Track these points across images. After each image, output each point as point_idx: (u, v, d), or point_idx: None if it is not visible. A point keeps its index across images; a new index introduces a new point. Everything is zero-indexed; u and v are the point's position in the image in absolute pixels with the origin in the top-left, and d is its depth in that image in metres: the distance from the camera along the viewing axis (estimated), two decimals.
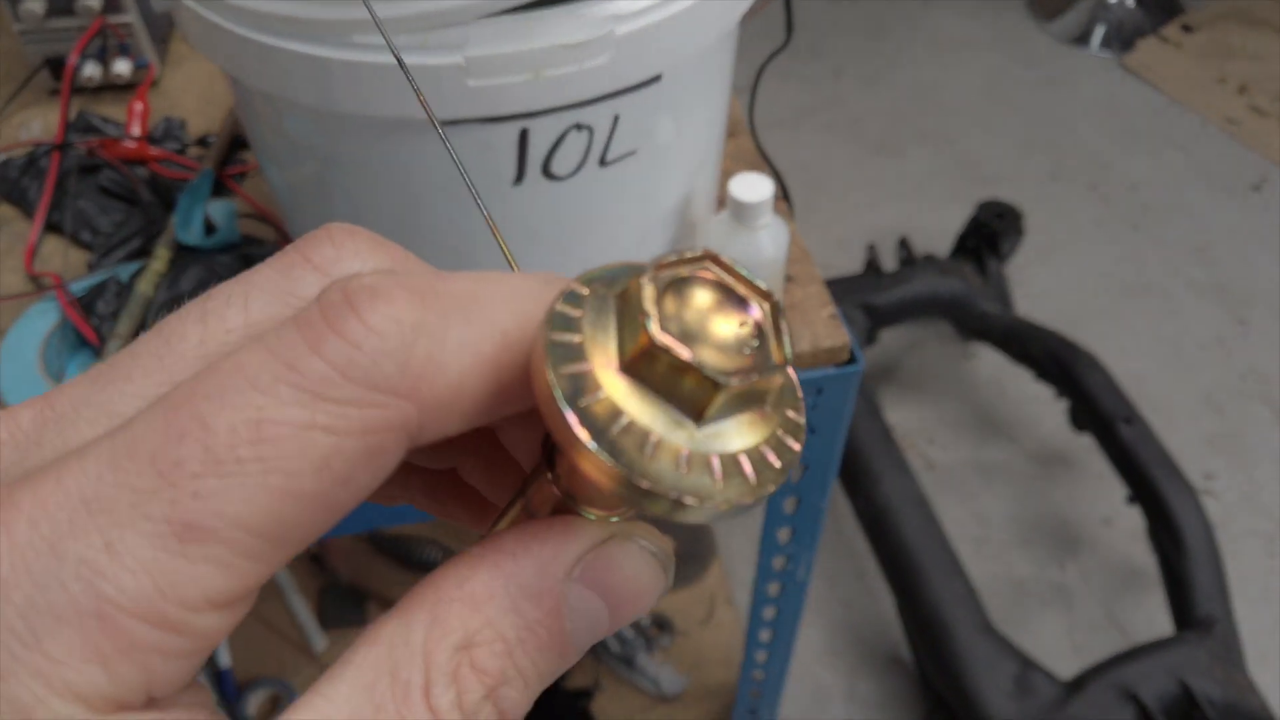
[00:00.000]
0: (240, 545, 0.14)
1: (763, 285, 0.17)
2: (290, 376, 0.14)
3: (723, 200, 0.71)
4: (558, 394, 0.15)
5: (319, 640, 1.14)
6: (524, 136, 0.50)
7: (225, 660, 1.10)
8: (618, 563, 0.17)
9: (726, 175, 0.62)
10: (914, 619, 1.30)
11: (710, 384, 0.15)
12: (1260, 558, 1.53)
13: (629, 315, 0.16)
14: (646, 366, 0.15)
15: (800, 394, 0.17)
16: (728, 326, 0.16)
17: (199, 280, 0.63)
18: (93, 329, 0.62)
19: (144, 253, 0.70)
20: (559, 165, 0.52)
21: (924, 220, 2.01)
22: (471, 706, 0.16)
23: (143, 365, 0.17)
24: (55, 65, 0.81)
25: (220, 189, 0.73)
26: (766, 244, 0.59)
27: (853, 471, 1.34)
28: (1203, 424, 1.71)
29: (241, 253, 0.65)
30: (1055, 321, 1.71)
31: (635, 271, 0.17)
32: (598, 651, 1.11)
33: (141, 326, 0.62)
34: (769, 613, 0.89)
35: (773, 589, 0.85)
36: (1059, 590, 1.53)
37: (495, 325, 0.16)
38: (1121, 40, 2.47)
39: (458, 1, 0.44)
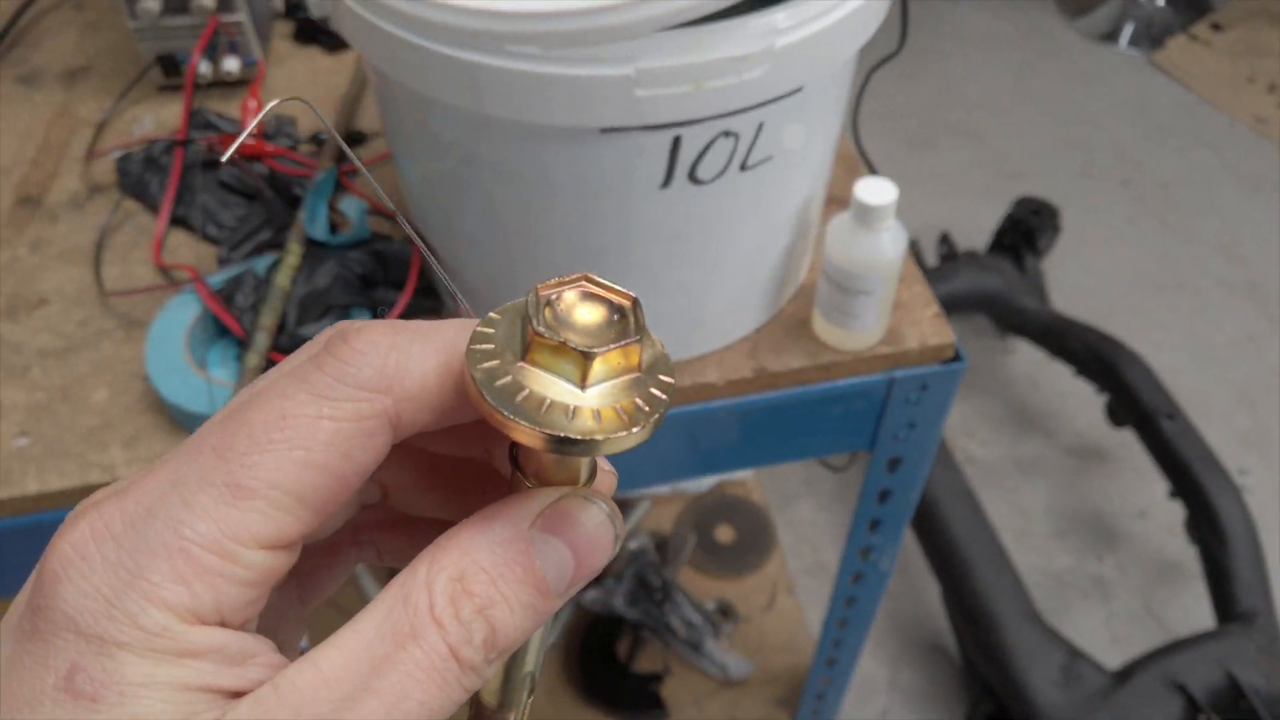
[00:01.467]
0: (276, 501, 0.20)
1: (623, 289, 0.23)
2: (303, 386, 0.21)
3: (832, 201, 0.74)
4: (477, 381, 0.21)
5: None
6: (676, 143, 0.53)
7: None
8: (571, 513, 0.22)
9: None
10: (961, 610, 1.33)
11: (581, 356, 0.21)
12: None
13: (524, 323, 0.22)
14: (537, 354, 0.21)
15: (671, 363, 0.23)
16: (593, 317, 0.22)
17: (334, 276, 0.66)
18: (234, 319, 0.64)
19: (270, 246, 0.73)
20: (704, 170, 0.55)
21: (958, 215, 2.03)
22: (467, 618, 0.21)
23: (218, 422, 0.23)
24: (166, 62, 0.84)
25: (336, 186, 0.75)
26: (888, 245, 0.62)
27: None
28: (1236, 420, 1.74)
29: (371, 248, 0.68)
30: (1088, 318, 1.73)
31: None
32: (666, 638, 1.14)
33: (282, 319, 0.64)
34: (846, 602, 0.92)
35: (853, 579, 0.88)
36: (1097, 582, 1.57)
37: (446, 341, 0.22)
38: (1150, 38, 2.49)
39: (635, 16, 0.47)
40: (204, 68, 0.83)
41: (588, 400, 0.21)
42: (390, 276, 0.68)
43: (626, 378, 0.22)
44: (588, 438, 0.21)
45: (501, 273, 0.63)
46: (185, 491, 0.20)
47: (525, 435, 0.21)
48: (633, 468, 0.72)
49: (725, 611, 1.18)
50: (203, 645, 0.20)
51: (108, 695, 0.19)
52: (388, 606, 0.21)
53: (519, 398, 0.21)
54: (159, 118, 0.84)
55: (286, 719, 0.20)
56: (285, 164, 0.78)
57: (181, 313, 0.66)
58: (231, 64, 0.83)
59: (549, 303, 0.22)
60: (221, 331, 0.66)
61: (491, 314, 0.23)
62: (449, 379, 0.22)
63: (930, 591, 1.51)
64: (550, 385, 0.21)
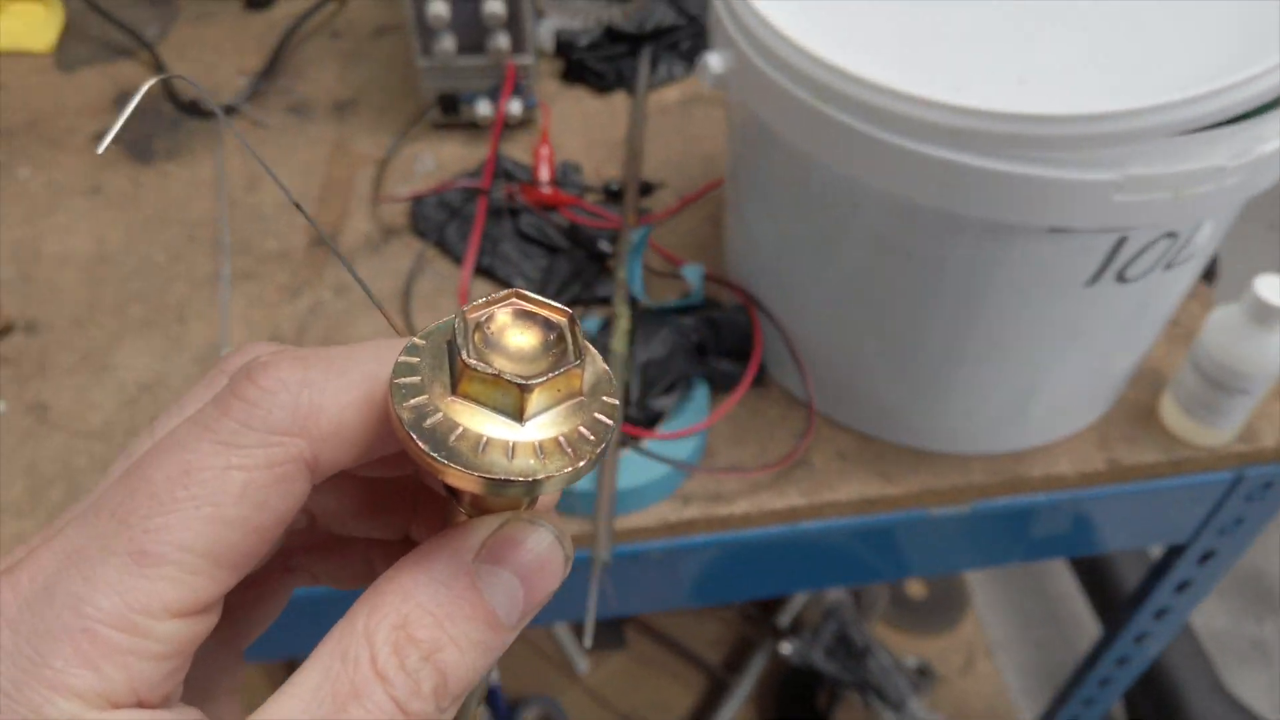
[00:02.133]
0: (187, 564, 0.19)
1: (559, 305, 0.21)
2: (207, 435, 0.19)
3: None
4: (404, 422, 0.19)
5: (581, 662, 1.15)
6: (1120, 243, 0.50)
7: (494, 678, 1.12)
8: (515, 539, 0.21)
9: None
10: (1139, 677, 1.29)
11: (518, 389, 0.19)
12: None
13: (452, 351, 0.20)
14: (469, 386, 0.19)
15: (613, 382, 0.21)
16: (529, 340, 0.20)
17: (672, 345, 0.64)
18: None
19: (582, 303, 0.71)
20: (1135, 269, 0.52)
21: None
22: (413, 668, 0.19)
23: (115, 482, 0.21)
24: (445, 101, 0.82)
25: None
26: (1276, 347, 0.59)
27: None
28: None
29: (705, 315, 0.66)
30: None
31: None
32: (866, 695, 1.11)
33: (626, 385, 0.62)
34: (1100, 683, 0.89)
35: (1118, 663, 0.85)
36: (1256, 645, 1.52)
37: (364, 373, 0.20)
38: None
39: (1156, 121, 0.44)
40: (485, 109, 0.81)
41: (527, 434, 0.20)
42: (723, 345, 0.65)
43: (568, 403, 0.20)
44: (530, 478, 0.19)
45: (851, 343, 0.61)
46: (85, 565, 0.19)
47: (462, 480, 0.19)
48: (946, 551, 0.70)
49: (923, 671, 1.15)
50: None
51: None
52: (325, 665, 0.19)
53: (452, 438, 0.19)
54: (438, 157, 0.82)
55: None
56: (580, 214, 0.76)
57: None
58: (515, 106, 0.81)
59: (478, 326, 0.20)
60: None
61: (415, 339, 0.21)
62: (370, 413, 0.21)
63: (1084, 643, 1.48)
64: (485, 420, 0.20)
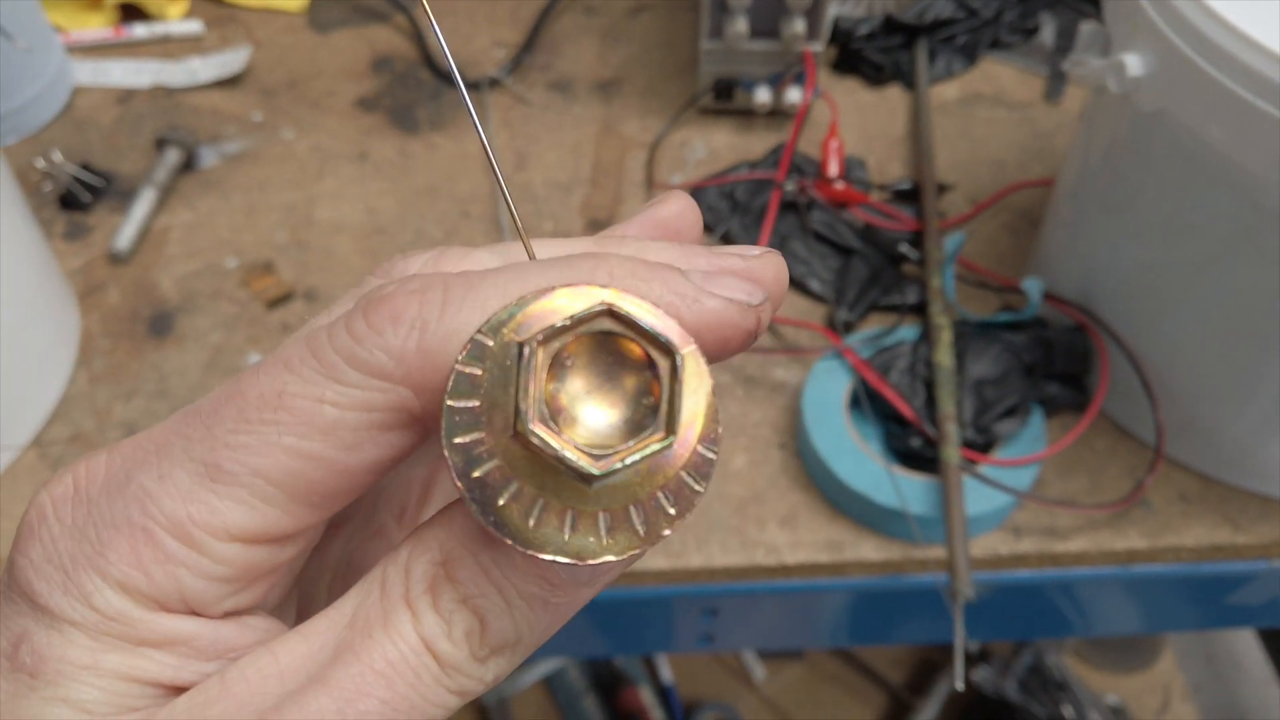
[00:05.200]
0: (259, 491, 0.18)
1: (666, 336, 0.16)
2: (312, 361, 0.18)
3: None
4: (452, 465, 0.16)
5: (758, 670, 1.12)
6: None
7: (668, 677, 1.09)
8: None
9: None
10: None
11: (587, 476, 0.15)
12: None
13: (520, 383, 0.16)
14: (530, 440, 0.16)
15: (719, 422, 0.17)
16: (616, 390, 0.16)
17: (1006, 364, 0.60)
18: (904, 401, 0.58)
19: (884, 309, 0.67)
20: None
21: None
22: (446, 608, 0.18)
23: (221, 386, 0.20)
24: (722, 86, 0.79)
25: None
26: None
27: None
28: None
29: (1037, 333, 0.61)
30: None
31: (537, 323, 0.16)
32: None
33: (959, 403, 0.59)
34: None
35: None
36: None
37: (484, 310, 0.18)
38: None
39: None
40: (764, 95, 0.77)
41: (594, 500, 0.16)
42: (1054, 368, 0.61)
43: (652, 460, 0.16)
44: (584, 561, 0.16)
45: (1216, 376, 0.56)
46: (165, 461, 0.18)
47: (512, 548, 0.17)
48: (1110, 615, 0.65)
49: (1118, 712, 1.10)
50: (164, 635, 0.18)
51: (45, 673, 0.18)
52: (365, 591, 0.19)
53: (504, 498, 0.16)
54: (709, 145, 0.79)
55: (223, 715, 0.17)
56: (872, 214, 0.72)
57: (831, 382, 0.61)
58: (795, 94, 0.77)
59: (554, 362, 0.16)
60: (876, 405, 0.60)
61: (479, 335, 0.17)
62: None
63: (1254, 698, 1.40)
64: (547, 477, 0.16)
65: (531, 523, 0.16)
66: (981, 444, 0.58)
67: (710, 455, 0.17)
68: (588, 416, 0.16)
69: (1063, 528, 0.58)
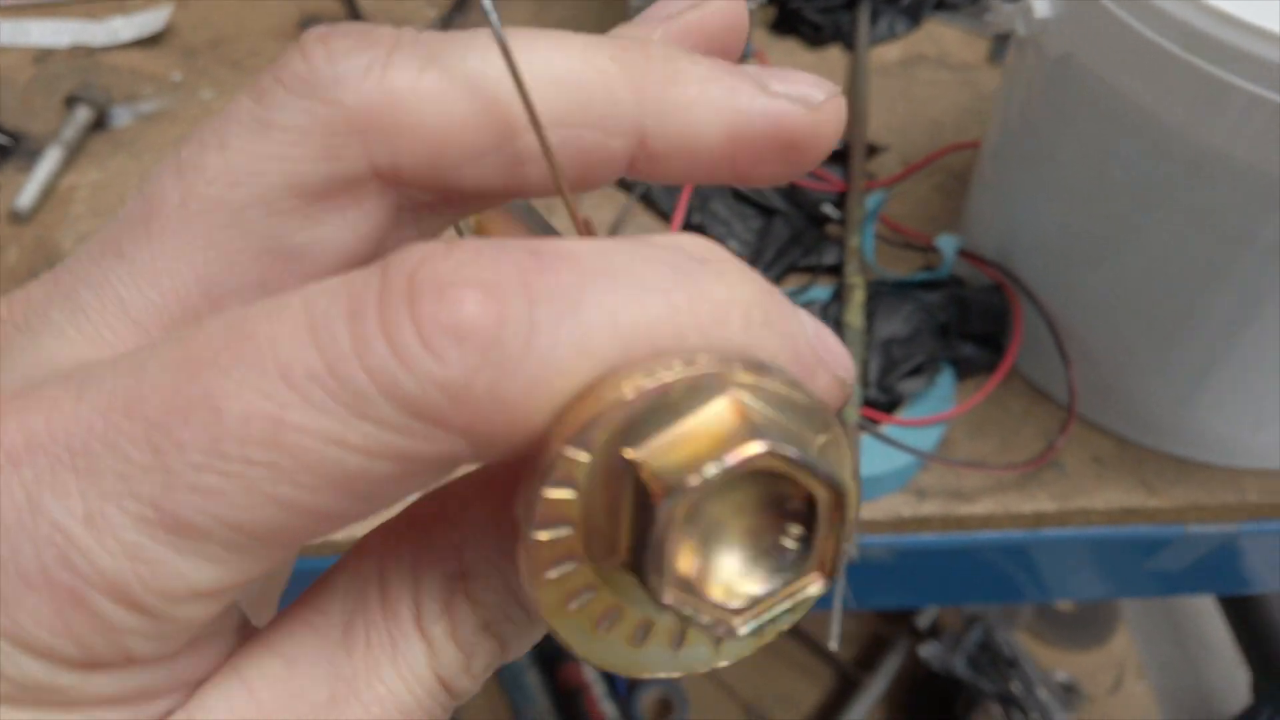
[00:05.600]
0: (234, 544, 0.13)
1: (826, 470, 0.13)
2: (327, 381, 0.12)
3: None
4: (540, 605, 0.14)
5: None
6: None
7: None
8: None
9: None
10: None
11: (724, 613, 0.13)
12: None
13: (641, 517, 0.13)
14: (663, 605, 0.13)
15: (854, 519, 0.14)
16: (757, 531, 0.13)
17: (917, 323, 0.58)
18: None
19: (802, 270, 0.66)
20: None
21: None
22: (467, 640, 0.15)
23: (131, 234, 0.16)
24: None
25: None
26: None
27: None
28: None
29: (952, 292, 0.60)
30: None
31: (647, 433, 0.13)
32: (1009, 709, 1.05)
33: (864, 363, 0.57)
34: None
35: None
36: None
37: (593, 359, 0.13)
38: None
39: None
40: None
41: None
42: (969, 327, 0.59)
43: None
44: (691, 672, 0.15)
45: (1134, 337, 0.55)
46: (90, 488, 0.13)
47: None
48: (1196, 572, 0.63)
49: (1070, 688, 1.09)
50: (106, 694, 0.14)
51: None
52: (355, 599, 0.15)
53: (603, 627, 0.14)
54: None
55: None
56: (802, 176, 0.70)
57: None
58: None
59: (690, 507, 0.12)
60: None
61: (571, 450, 0.13)
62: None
63: (1220, 678, 1.39)
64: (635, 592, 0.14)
65: (636, 646, 0.14)
66: (885, 403, 0.57)
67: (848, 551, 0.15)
68: (715, 550, 0.13)
69: (969, 490, 0.57)
